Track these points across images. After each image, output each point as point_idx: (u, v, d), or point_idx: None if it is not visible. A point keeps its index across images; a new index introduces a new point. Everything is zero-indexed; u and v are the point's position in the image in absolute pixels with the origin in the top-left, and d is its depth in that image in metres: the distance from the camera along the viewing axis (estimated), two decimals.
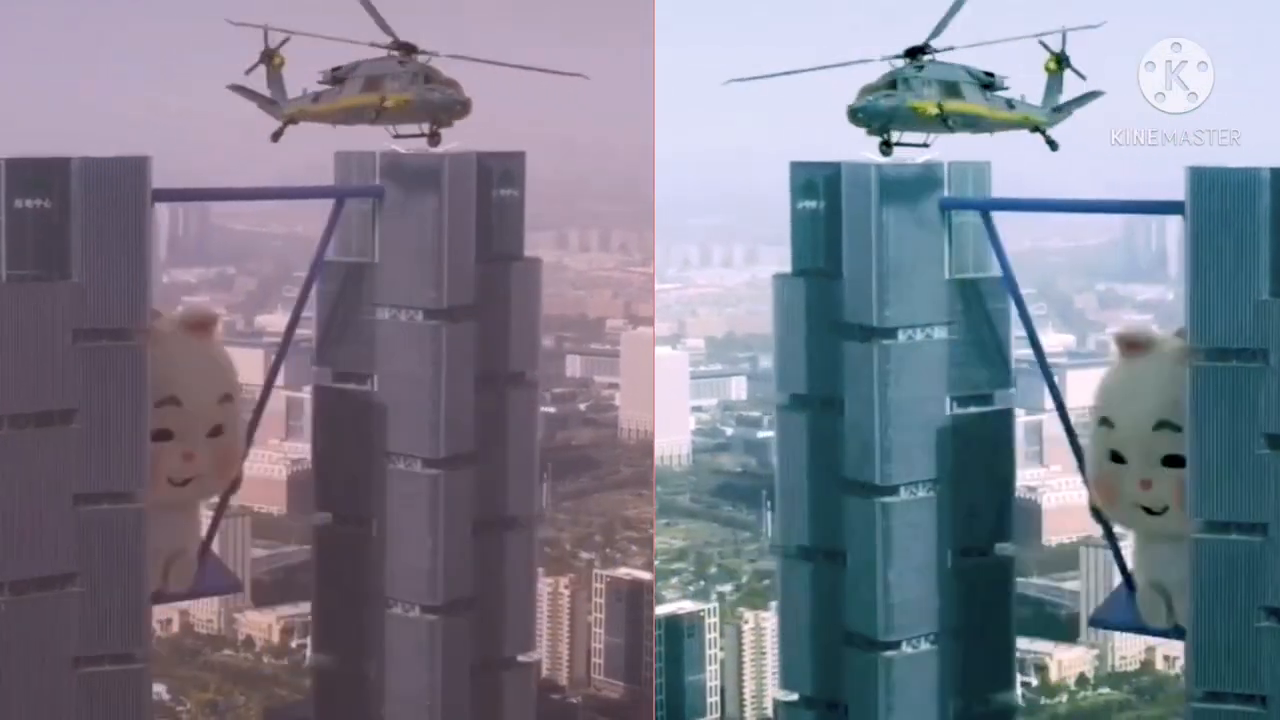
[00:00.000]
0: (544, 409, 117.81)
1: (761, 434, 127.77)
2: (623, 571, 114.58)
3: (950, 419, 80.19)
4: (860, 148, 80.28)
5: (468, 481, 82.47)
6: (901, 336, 79.23)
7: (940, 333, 79.96)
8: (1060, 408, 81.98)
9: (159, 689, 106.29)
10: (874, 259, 79.05)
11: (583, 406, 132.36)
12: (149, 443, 74.77)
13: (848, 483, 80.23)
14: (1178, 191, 74.77)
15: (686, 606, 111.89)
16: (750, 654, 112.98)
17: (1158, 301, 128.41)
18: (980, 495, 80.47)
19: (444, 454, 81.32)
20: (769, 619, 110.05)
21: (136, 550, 74.31)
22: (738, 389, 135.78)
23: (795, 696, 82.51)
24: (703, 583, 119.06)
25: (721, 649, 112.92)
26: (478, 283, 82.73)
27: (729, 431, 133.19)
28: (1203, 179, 72.73)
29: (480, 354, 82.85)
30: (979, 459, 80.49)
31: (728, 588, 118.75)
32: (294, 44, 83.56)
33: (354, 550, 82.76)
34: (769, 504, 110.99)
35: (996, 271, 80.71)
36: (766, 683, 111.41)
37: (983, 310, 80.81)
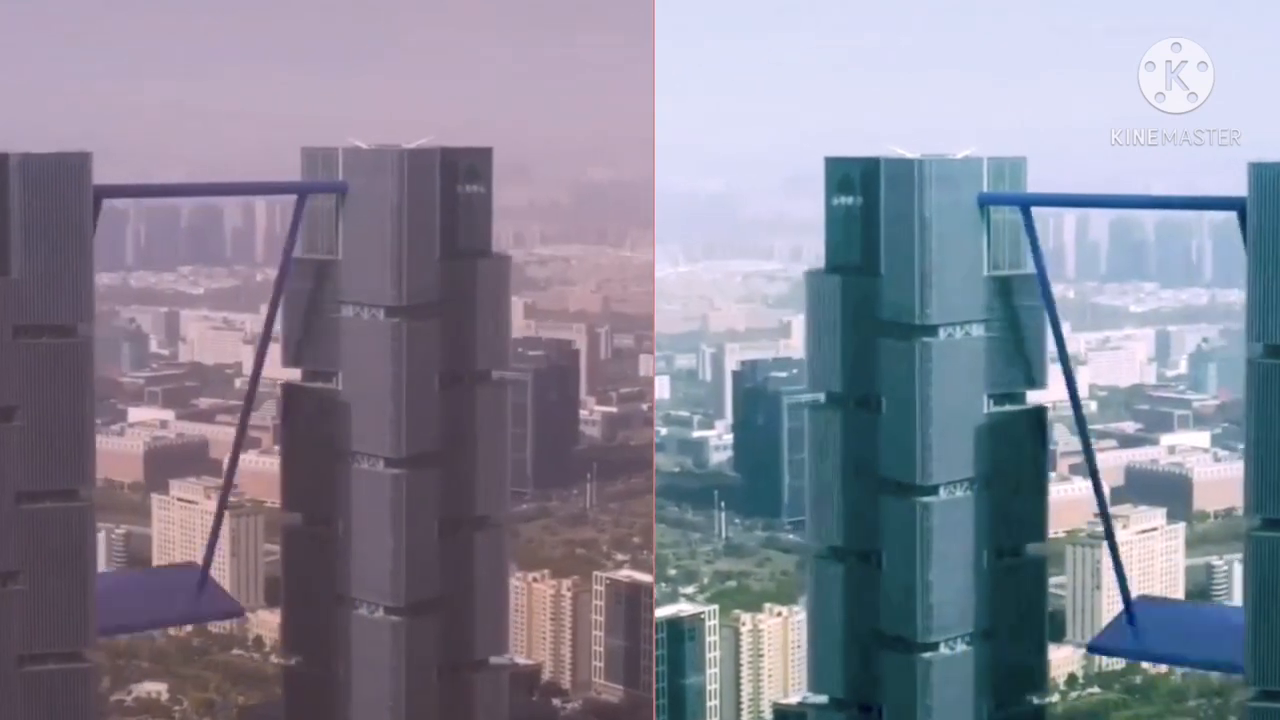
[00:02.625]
0: (607, 408, 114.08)
1: (695, 434, 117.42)
2: (623, 574, 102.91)
3: (987, 417, 70.52)
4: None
5: (432, 481, 73.25)
6: (942, 334, 69.58)
7: (978, 330, 70.34)
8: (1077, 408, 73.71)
9: (158, 688, 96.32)
10: (916, 255, 69.37)
11: (645, 406, 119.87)
12: (94, 440, 66.98)
13: (884, 482, 70.29)
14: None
15: (686, 610, 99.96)
16: (748, 657, 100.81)
17: (1058, 298, 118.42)
18: (1015, 495, 71.30)
19: (405, 453, 72.39)
20: (765, 621, 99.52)
21: (82, 548, 66.78)
22: (659, 388, 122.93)
23: (825, 699, 72.96)
24: (664, 585, 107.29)
25: (718, 651, 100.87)
26: (442, 280, 73.24)
27: (662, 431, 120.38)
28: (1264, 175, 63.45)
29: (446, 352, 73.57)
30: (1014, 458, 71.11)
31: (691, 589, 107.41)
32: None
33: (321, 551, 73.82)
34: (721, 505, 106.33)
35: (1032, 268, 71.54)
36: (763, 686, 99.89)
37: (1018, 307, 71.31)
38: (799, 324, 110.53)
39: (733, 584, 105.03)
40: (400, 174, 71.03)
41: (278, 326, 73.59)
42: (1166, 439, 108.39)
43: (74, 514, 65.69)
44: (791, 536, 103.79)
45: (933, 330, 68.90)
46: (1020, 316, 70.89)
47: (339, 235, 72.36)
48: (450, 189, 72.46)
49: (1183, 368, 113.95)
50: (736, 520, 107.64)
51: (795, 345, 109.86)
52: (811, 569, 72.65)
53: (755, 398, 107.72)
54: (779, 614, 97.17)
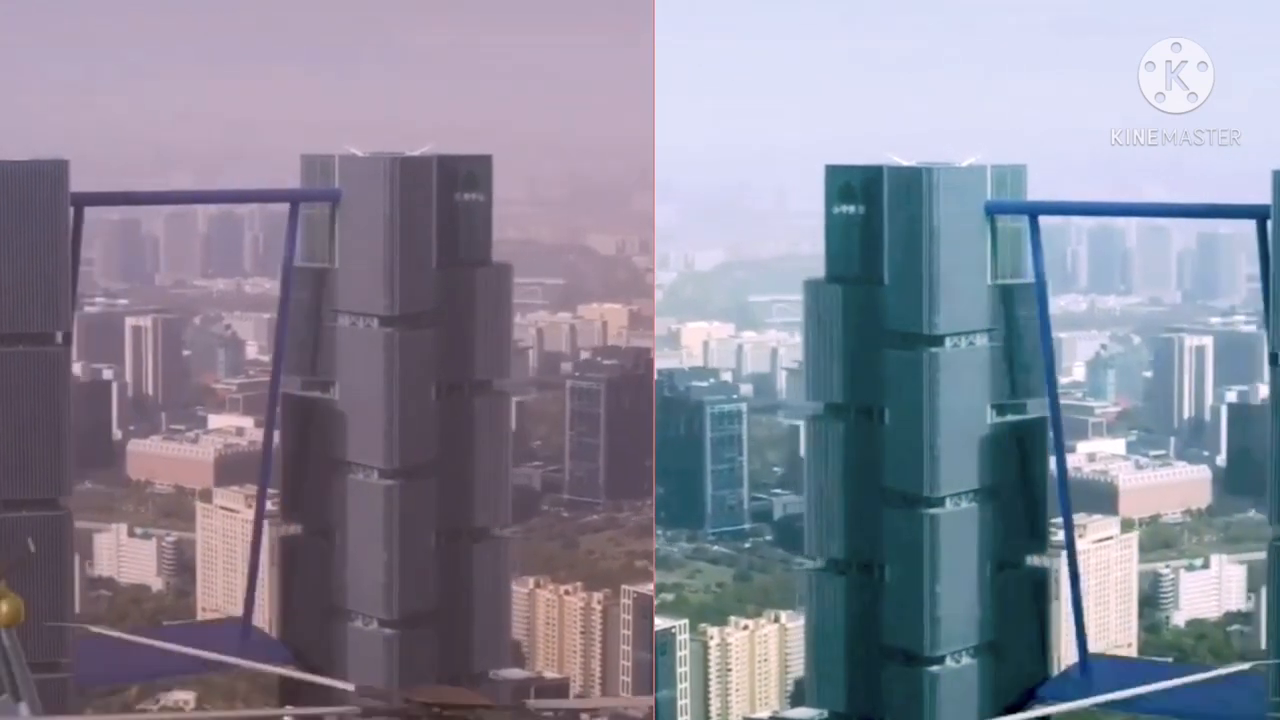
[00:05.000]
0: None
1: None
2: (648, 588, 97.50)
3: (991, 428, 67.68)
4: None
5: (428, 492, 70.27)
6: (949, 344, 66.75)
7: (983, 340, 67.67)
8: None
9: (186, 696, 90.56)
10: (924, 264, 66.55)
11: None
12: (71, 448, 65.74)
13: (889, 493, 67.49)
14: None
15: (657, 624, 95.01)
16: (716, 671, 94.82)
17: None
18: (1018, 506, 68.61)
19: (399, 464, 69.63)
20: (733, 635, 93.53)
21: (60, 556, 65.14)
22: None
23: (825, 713, 71.06)
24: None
25: (688, 665, 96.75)
26: (439, 289, 70.43)
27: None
28: None
29: (443, 362, 70.73)
30: (1018, 469, 68.54)
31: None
32: None
33: (318, 562, 71.77)
34: (659, 515, 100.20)
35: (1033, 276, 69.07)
36: (731, 700, 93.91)
37: (1021, 316, 68.47)
38: (689, 332, 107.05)
39: (669, 596, 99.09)
40: (393, 181, 68.47)
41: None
42: (1084, 446, 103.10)
43: (52, 523, 63.90)
44: (717, 548, 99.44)
45: (939, 340, 66.18)
46: (1023, 326, 68.12)
47: (334, 243, 70.08)
48: (448, 197, 69.55)
49: (1076, 375, 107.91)
50: (659, 532, 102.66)
51: (695, 355, 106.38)
52: (811, 581, 70.10)
53: (676, 408, 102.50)
54: (745, 627, 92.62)
